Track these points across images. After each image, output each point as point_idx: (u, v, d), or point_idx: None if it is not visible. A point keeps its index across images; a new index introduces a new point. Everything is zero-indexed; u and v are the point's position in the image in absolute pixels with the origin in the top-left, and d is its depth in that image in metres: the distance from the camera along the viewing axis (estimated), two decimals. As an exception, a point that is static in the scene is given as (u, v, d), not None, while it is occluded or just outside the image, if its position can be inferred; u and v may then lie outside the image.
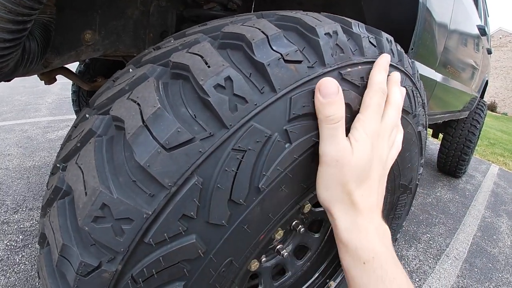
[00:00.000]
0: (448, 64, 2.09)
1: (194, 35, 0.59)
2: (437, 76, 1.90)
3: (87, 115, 0.63)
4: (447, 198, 3.52)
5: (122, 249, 0.44)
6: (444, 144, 4.05)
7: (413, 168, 1.10)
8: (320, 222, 1.15)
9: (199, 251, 0.47)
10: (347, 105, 0.59)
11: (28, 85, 6.95)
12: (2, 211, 2.23)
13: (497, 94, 29.91)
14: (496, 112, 28.75)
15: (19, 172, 2.81)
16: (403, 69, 0.80)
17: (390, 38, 0.79)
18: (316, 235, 1.14)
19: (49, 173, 2.72)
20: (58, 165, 0.62)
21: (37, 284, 1.66)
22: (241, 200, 0.49)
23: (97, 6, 1.07)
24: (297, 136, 0.52)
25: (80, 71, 2.57)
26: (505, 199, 4.09)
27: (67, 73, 1.53)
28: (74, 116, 4.20)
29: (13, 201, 2.36)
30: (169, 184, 0.43)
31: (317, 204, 1.05)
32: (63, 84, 6.78)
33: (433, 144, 6.20)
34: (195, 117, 0.46)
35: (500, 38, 29.77)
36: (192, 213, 0.45)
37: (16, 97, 5.87)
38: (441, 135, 4.35)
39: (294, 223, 0.99)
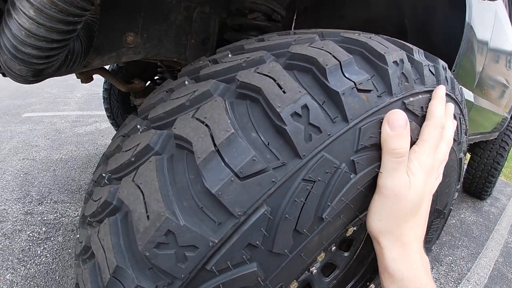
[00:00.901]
0: (484, 85, 2.04)
1: (257, 52, 0.57)
2: (473, 98, 1.86)
3: (138, 126, 0.62)
4: (471, 221, 3.43)
5: (182, 276, 0.42)
6: (471, 164, 3.95)
7: (450, 194, 1.08)
8: (351, 241, 1.13)
9: (258, 278, 0.46)
10: (408, 136, 0.58)
11: (58, 78, 7.06)
12: (27, 201, 2.26)
13: (523, 113, 29.22)
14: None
15: (46, 164, 2.85)
16: (454, 96, 0.78)
17: (445, 65, 0.77)
18: (346, 254, 1.12)
19: (74, 167, 2.77)
20: (103, 174, 0.61)
21: (57, 277, 1.66)
22: (304, 230, 0.47)
23: (141, 8, 1.07)
24: (362, 167, 0.50)
25: (113, 70, 2.58)
26: (530, 224, 3.97)
27: (104, 73, 1.55)
28: (103, 113, 4.26)
29: (38, 192, 2.38)
30: (239, 213, 0.42)
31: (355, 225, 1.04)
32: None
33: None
34: (268, 144, 0.44)
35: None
36: (257, 242, 0.44)
37: (46, 89, 5.99)
38: (468, 155, 4.25)
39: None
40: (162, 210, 0.42)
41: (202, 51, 1.27)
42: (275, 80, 0.47)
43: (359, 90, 0.48)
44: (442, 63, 0.74)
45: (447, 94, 0.73)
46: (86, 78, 1.50)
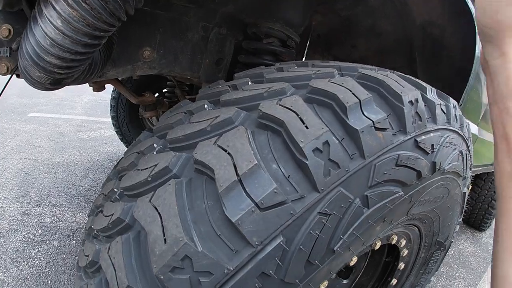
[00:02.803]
0: (488, 118, 2.06)
1: (278, 83, 0.59)
2: (478, 131, 1.90)
3: (154, 145, 0.63)
4: (469, 252, 3.40)
5: None
6: (472, 196, 3.94)
7: (452, 226, 1.10)
8: (350, 269, 1.14)
9: (266, 305, 0.47)
10: (418, 172, 0.59)
11: (67, 80, 7.14)
12: (25, 201, 2.26)
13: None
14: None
15: (47, 165, 2.85)
16: (462, 134, 0.80)
17: (455, 103, 0.79)
18: (345, 281, 1.13)
19: (75, 171, 2.77)
20: (115, 189, 0.62)
21: (49, 282, 1.65)
22: (316, 261, 0.48)
23: (159, 24, 1.10)
24: (375, 202, 0.52)
25: (123, 79, 2.61)
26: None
27: (117, 83, 1.57)
28: (108, 120, 4.27)
29: (37, 193, 2.38)
30: (256, 243, 0.43)
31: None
32: (101, 85, 6.95)
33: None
34: (289, 177, 0.46)
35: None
36: (271, 271, 0.45)
37: (54, 91, 6.00)
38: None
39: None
40: (181, 236, 0.43)
41: (215, 71, 1.29)
42: (297, 114, 0.49)
43: (377, 129, 0.50)
44: (452, 101, 0.76)
45: (456, 132, 0.74)
46: (98, 87, 1.52)
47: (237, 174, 0.44)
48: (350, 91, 0.52)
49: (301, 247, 0.45)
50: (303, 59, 1.54)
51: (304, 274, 0.48)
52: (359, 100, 0.51)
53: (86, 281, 0.56)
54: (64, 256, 1.83)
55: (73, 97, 5.99)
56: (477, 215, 3.95)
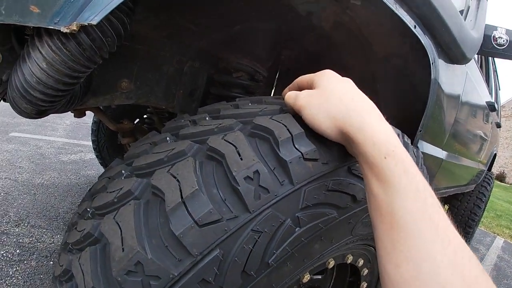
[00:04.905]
0: (455, 141, 2.14)
1: (228, 120, 0.70)
2: (444, 154, 1.96)
3: (123, 171, 0.72)
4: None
5: None
6: (448, 216, 4.03)
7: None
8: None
9: (209, 310, 0.55)
10: (352, 196, 0.69)
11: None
12: (4, 221, 2.28)
13: (506, 164, 29.71)
14: (505, 183, 28.43)
15: (27, 186, 2.89)
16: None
17: (398, 132, 0.88)
18: (314, 302, 1.19)
19: (55, 194, 2.80)
20: (88, 209, 0.70)
21: (26, 300, 1.66)
22: (252, 272, 0.57)
23: (137, 58, 1.18)
24: (306, 222, 0.62)
25: (104, 106, 2.68)
26: (508, 273, 4.04)
27: (97, 110, 1.64)
28: (88, 143, 4.35)
29: (16, 214, 2.41)
30: (196, 253, 0.52)
31: (316, 273, 1.12)
32: (83, 108, 6.98)
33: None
34: (225, 200, 0.55)
35: (512, 107, 30.00)
36: (210, 278, 0.53)
37: (36, 113, 6.01)
38: (446, 206, 4.35)
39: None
40: (135, 245, 0.52)
41: (189, 101, 1.38)
42: (236, 148, 0.59)
43: (306, 159, 0.60)
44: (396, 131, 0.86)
45: None
46: (79, 113, 1.59)
47: (182, 197, 0.54)
48: (286, 126, 0.62)
49: (236, 259, 0.54)
50: (273, 91, 1.64)
51: (242, 284, 0.57)
52: (291, 134, 0.61)
53: (60, 287, 0.64)
54: (41, 276, 1.85)
55: (55, 119, 6.00)
56: (455, 234, 3.98)
